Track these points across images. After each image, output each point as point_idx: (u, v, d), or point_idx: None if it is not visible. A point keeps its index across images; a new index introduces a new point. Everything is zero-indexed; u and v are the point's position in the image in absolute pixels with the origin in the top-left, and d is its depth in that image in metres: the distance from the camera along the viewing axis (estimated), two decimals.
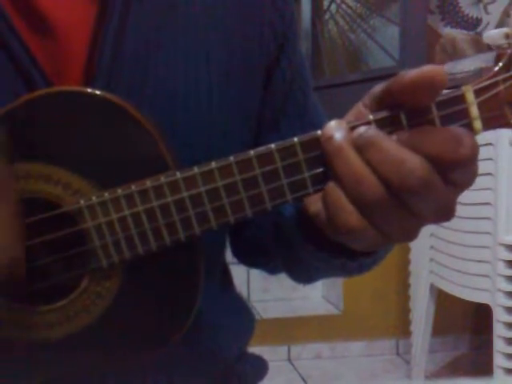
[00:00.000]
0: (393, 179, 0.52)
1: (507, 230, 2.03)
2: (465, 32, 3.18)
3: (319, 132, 0.56)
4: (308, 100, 0.87)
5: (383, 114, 0.55)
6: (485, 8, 3.21)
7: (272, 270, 0.90)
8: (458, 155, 0.52)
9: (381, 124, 0.55)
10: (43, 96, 0.63)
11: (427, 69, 0.51)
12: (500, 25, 3.12)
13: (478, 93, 0.55)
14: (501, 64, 0.55)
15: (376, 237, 0.56)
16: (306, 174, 0.57)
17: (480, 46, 2.84)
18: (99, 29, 0.70)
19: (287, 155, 0.57)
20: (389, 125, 0.55)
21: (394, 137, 0.54)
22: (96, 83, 0.68)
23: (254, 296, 3.33)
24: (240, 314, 0.92)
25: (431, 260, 2.44)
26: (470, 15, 3.21)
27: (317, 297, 3.40)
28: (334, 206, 0.55)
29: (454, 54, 2.82)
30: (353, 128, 0.55)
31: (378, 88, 0.56)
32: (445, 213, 0.55)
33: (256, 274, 0.88)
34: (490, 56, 2.10)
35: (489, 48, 2.91)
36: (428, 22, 3.09)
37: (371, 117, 0.55)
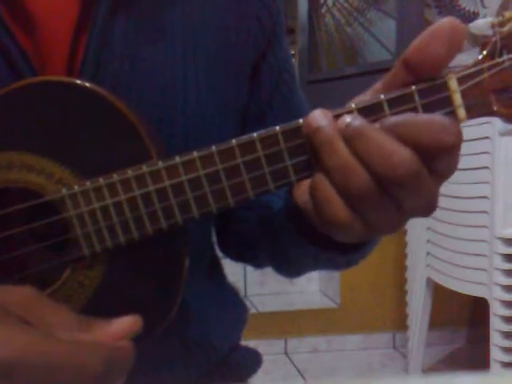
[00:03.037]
0: (381, 171, 0.52)
1: (504, 223, 2.03)
2: None
3: (301, 121, 0.56)
4: (294, 94, 0.88)
5: (365, 102, 0.55)
6: (481, 2, 3.20)
7: (258, 264, 0.90)
8: (444, 143, 0.52)
9: (364, 113, 0.55)
10: (27, 85, 0.62)
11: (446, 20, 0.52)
12: None
13: (461, 80, 0.55)
14: (485, 52, 0.55)
15: (361, 228, 0.56)
16: (288, 163, 0.57)
17: (477, 40, 2.83)
18: (84, 21, 0.70)
19: (269, 144, 0.57)
20: (372, 113, 0.55)
21: (378, 124, 0.53)
22: (82, 76, 0.68)
23: (250, 290, 3.33)
24: (231, 306, 0.92)
25: (428, 254, 2.44)
26: (467, 9, 3.21)
27: (314, 290, 3.41)
28: (321, 199, 0.55)
29: None
30: (337, 117, 0.55)
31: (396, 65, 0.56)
32: (428, 205, 0.55)
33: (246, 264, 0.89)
34: None
35: None
36: (425, 15, 3.09)
37: (353, 105, 0.55)
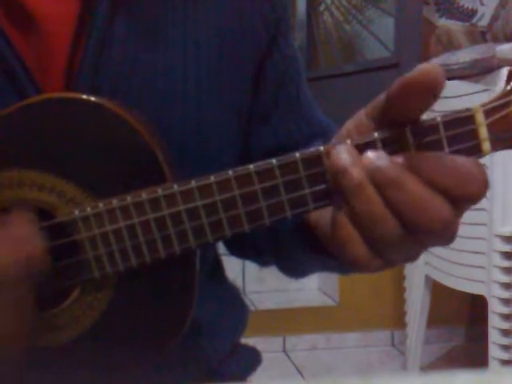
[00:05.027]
0: (415, 222, 0.51)
1: (503, 221, 2.03)
2: (460, 23, 3.17)
3: (321, 148, 0.55)
4: (301, 92, 0.86)
5: (389, 132, 0.54)
6: None
7: (264, 263, 0.89)
8: (474, 195, 0.51)
9: (386, 143, 0.53)
10: (39, 102, 0.62)
11: (422, 66, 0.50)
12: (495, 16, 3.12)
13: (487, 114, 0.53)
14: None
15: (381, 266, 0.55)
16: (307, 191, 0.56)
17: (475, 37, 2.83)
18: (84, 24, 0.69)
19: (288, 171, 0.55)
20: (394, 143, 0.53)
21: (401, 159, 0.52)
22: (80, 80, 0.68)
23: (249, 287, 3.33)
24: (232, 307, 0.92)
25: (426, 251, 2.43)
26: (465, 6, 3.20)
27: (312, 288, 3.40)
28: (344, 239, 0.54)
29: (449, 45, 2.82)
30: (358, 146, 0.53)
31: (380, 97, 0.54)
32: (450, 239, 0.55)
33: (251, 265, 0.88)
34: (484, 48, 2.09)
35: (484, 40, 2.91)
36: (423, 13, 3.08)
37: (376, 135, 0.54)
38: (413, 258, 0.57)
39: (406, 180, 0.51)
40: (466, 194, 0.51)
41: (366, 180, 0.51)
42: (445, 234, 0.52)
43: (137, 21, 0.71)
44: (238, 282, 3.30)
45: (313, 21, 3.74)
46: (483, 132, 0.54)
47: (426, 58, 2.64)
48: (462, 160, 0.52)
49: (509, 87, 0.54)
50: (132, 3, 0.71)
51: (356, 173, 0.52)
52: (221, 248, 0.91)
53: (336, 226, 0.54)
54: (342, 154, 0.53)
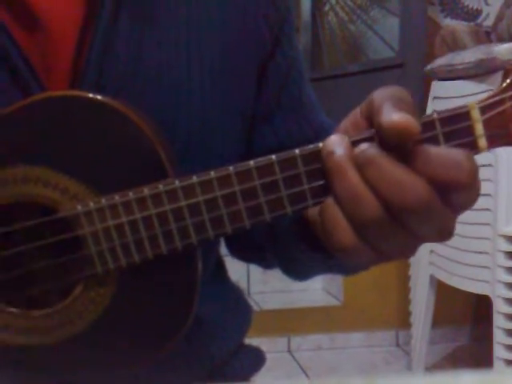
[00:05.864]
0: (392, 199, 0.52)
1: (507, 221, 2.03)
2: (465, 23, 3.16)
3: (321, 144, 0.55)
4: (303, 93, 0.86)
5: None
6: None
7: (267, 265, 0.89)
8: (457, 180, 0.52)
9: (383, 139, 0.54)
10: (41, 100, 0.62)
11: (403, 122, 0.51)
12: (500, 16, 3.12)
13: (483, 110, 0.54)
14: (508, 81, 0.54)
15: (370, 255, 0.56)
16: (306, 187, 0.56)
17: (480, 38, 2.83)
18: (89, 23, 0.69)
19: (287, 167, 0.56)
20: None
21: (394, 155, 0.53)
22: (85, 79, 0.68)
23: (253, 288, 3.33)
24: (236, 307, 0.92)
25: (431, 251, 2.44)
26: (470, 6, 3.20)
27: (317, 288, 3.40)
28: (330, 223, 0.55)
29: (454, 45, 2.81)
30: (354, 143, 0.54)
31: (374, 98, 0.55)
32: (443, 233, 0.55)
33: (255, 266, 0.89)
34: (489, 48, 2.09)
35: (488, 40, 2.90)
36: (428, 13, 3.08)
37: (373, 131, 0.54)
38: (408, 251, 0.58)
39: (384, 159, 0.52)
40: (451, 181, 0.52)
41: (348, 161, 0.53)
42: (425, 216, 0.53)
43: (141, 20, 0.71)
44: (243, 283, 3.30)
45: (317, 21, 3.75)
46: (479, 128, 0.54)
47: (430, 58, 2.64)
48: (448, 149, 0.53)
49: (505, 84, 0.54)
50: (136, 2, 0.71)
51: (339, 154, 0.54)
52: (224, 249, 0.91)
53: (323, 210, 0.56)
54: (331, 141, 0.55)
